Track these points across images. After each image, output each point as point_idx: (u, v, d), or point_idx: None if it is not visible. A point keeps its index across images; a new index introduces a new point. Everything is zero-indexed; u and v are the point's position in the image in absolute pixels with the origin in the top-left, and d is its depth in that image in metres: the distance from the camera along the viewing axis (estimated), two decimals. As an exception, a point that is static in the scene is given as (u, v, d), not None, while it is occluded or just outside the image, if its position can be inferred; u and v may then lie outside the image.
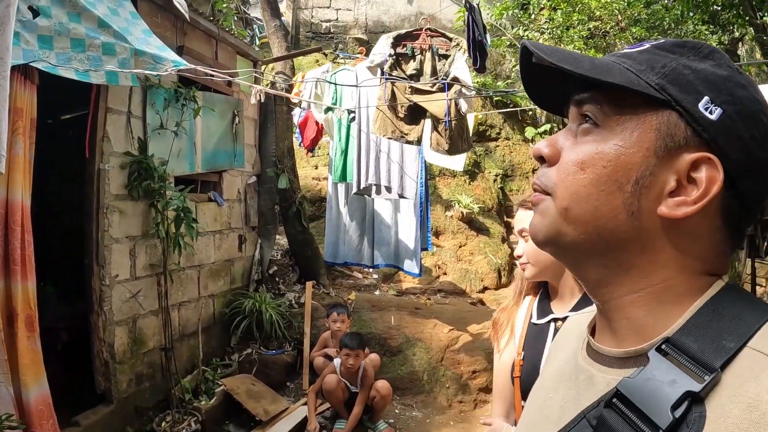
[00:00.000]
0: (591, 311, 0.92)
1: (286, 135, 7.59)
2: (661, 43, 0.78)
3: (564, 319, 1.85)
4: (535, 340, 2.05)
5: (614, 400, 0.70)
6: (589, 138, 0.78)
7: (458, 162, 8.12)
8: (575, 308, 1.93)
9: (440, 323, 7.13)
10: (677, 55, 0.75)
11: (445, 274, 9.44)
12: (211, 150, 6.02)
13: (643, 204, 0.74)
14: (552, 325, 2.02)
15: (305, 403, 5.68)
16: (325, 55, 11.90)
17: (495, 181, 11.33)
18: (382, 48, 6.11)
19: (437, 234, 9.82)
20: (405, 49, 6.11)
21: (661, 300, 0.76)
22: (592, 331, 0.88)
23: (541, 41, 10.20)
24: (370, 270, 8.43)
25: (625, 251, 0.77)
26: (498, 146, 11.44)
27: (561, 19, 9.59)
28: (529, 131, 11.26)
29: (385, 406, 5.63)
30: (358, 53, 8.25)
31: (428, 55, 6.03)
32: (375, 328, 6.90)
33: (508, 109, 10.59)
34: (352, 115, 6.69)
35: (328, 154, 8.38)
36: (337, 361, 5.52)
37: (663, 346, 0.71)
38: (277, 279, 7.67)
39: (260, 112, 7.28)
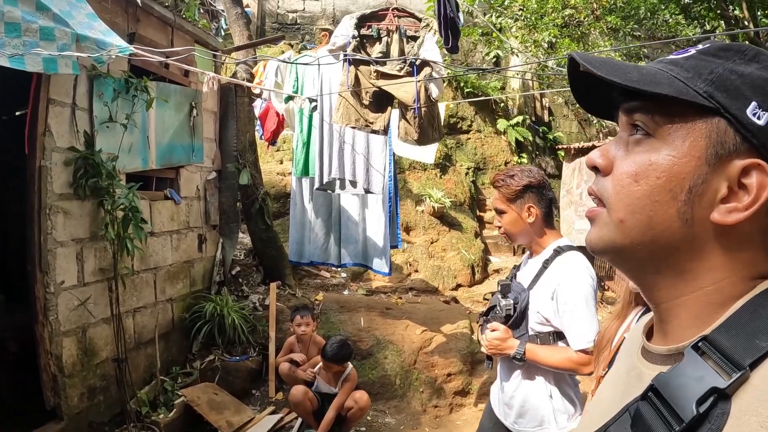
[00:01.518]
0: (651, 315, 0.94)
1: (248, 128, 7.26)
2: (706, 48, 0.79)
3: None
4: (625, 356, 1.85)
5: (649, 393, 0.74)
6: (641, 148, 0.80)
7: (429, 154, 7.86)
8: None
9: (412, 324, 6.97)
10: (723, 60, 0.76)
11: (416, 271, 9.26)
12: (166, 144, 5.66)
13: (696, 212, 0.76)
14: None
15: (272, 412, 5.45)
16: (291, 46, 11.61)
17: (467, 174, 11.19)
18: (345, 29, 5.74)
19: (408, 230, 9.62)
20: (370, 30, 5.73)
21: (710, 302, 0.78)
22: (649, 332, 0.92)
23: (514, 28, 10.18)
24: (338, 269, 8.12)
25: (678, 257, 0.79)
26: (469, 139, 11.29)
27: (535, 6, 9.46)
28: (501, 123, 11.13)
29: (360, 419, 5.41)
30: (322, 38, 7.87)
31: (395, 36, 5.66)
32: (344, 330, 6.68)
33: (478, 98, 10.37)
34: (313, 104, 6.36)
35: (292, 147, 8.04)
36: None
37: (700, 344, 0.73)
38: (240, 280, 7.36)
39: (220, 104, 6.93)
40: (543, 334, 2.67)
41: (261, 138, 7.54)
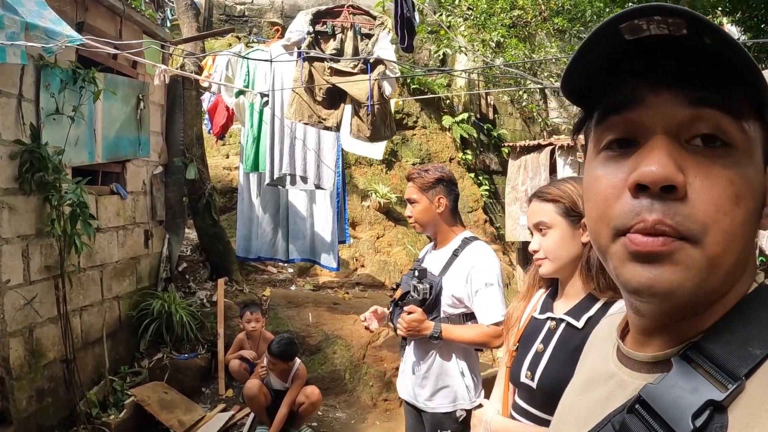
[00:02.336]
0: (621, 313, 0.87)
1: (195, 122, 7.11)
2: None
3: (559, 320, 1.96)
4: (530, 335, 2.06)
5: (636, 406, 0.68)
6: (728, 162, 0.66)
7: (378, 150, 7.87)
8: (573, 310, 1.95)
9: (360, 318, 6.88)
10: None
11: (362, 266, 9.24)
12: (113, 137, 5.50)
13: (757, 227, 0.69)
14: (547, 323, 2.02)
15: (223, 410, 5.39)
16: (239, 39, 11.41)
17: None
18: (300, 25, 5.69)
19: (354, 225, 9.60)
20: (325, 27, 5.69)
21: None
22: (623, 333, 0.84)
23: (463, 27, 10.29)
24: (285, 264, 8.06)
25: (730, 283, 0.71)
26: (415, 135, 11.32)
27: (485, 6, 9.56)
28: (447, 120, 11.19)
29: (312, 413, 5.40)
30: (274, 32, 7.76)
31: (350, 34, 5.64)
32: (292, 326, 6.66)
33: (425, 96, 10.44)
34: (265, 99, 6.28)
35: (239, 141, 7.93)
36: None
37: (688, 353, 0.68)
38: (187, 276, 7.21)
39: (167, 96, 6.76)
40: (454, 316, 2.92)
41: (209, 132, 7.40)
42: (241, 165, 7.13)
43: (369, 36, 5.66)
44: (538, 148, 8.21)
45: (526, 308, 2.18)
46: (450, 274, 2.91)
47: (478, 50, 9.68)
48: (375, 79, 5.48)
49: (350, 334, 6.69)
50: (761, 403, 0.61)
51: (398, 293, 3.03)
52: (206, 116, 7.37)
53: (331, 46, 5.64)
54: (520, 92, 11.12)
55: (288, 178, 6.74)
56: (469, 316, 2.91)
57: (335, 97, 5.76)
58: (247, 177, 7.21)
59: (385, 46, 5.54)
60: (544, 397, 1.90)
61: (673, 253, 0.65)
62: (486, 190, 11.27)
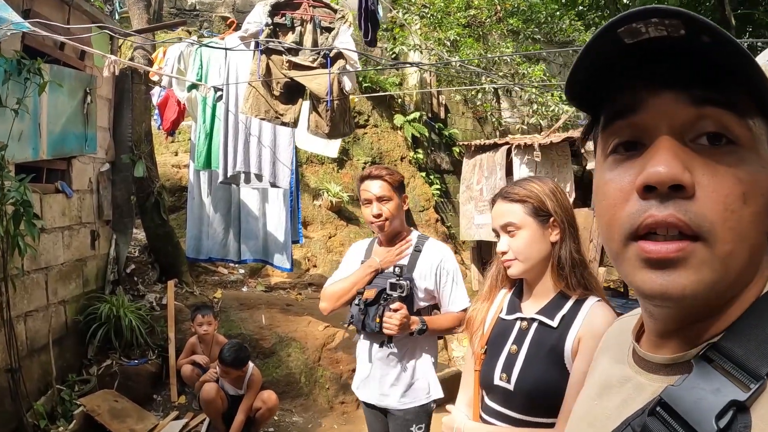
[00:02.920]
0: (635, 314, 0.89)
1: (143, 117, 6.86)
2: None
3: (530, 320, 1.96)
4: (499, 336, 2.04)
5: (658, 408, 0.68)
6: (734, 159, 0.67)
7: (332, 148, 7.75)
8: (545, 309, 1.95)
9: (314, 320, 6.90)
10: None
11: (315, 266, 9.13)
12: (58, 133, 5.24)
13: None
14: (517, 324, 2.01)
15: (176, 418, 5.24)
16: (189, 33, 11.12)
17: (363, 168, 10.98)
18: (258, 16, 5.49)
19: (305, 224, 9.46)
20: (283, 19, 5.49)
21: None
22: (638, 336, 0.84)
23: (419, 25, 10.27)
24: (236, 265, 7.87)
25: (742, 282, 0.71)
26: (366, 133, 11.25)
27: (441, 4, 9.59)
28: (398, 119, 11.15)
29: (269, 419, 5.35)
30: (227, 26, 7.53)
31: (309, 27, 5.47)
32: (245, 328, 6.53)
33: (377, 93, 10.36)
34: (219, 93, 6.07)
35: (189, 138, 7.67)
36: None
37: (708, 353, 0.68)
38: (135, 279, 6.97)
39: (115, 91, 6.51)
40: (425, 308, 3.06)
41: (159, 128, 7.13)
42: (192, 162, 6.88)
43: (329, 29, 5.51)
44: (494, 147, 8.21)
45: (490, 310, 2.15)
46: (419, 269, 3.03)
47: (433, 49, 9.69)
48: (335, 74, 5.35)
49: (304, 336, 6.60)
50: None
51: (371, 293, 2.99)
52: (156, 111, 7.10)
53: (290, 39, 5.47)
54: (474, 92, 11.18)
55: (242, 176, 6.53)
56: (434, 307, 3.12)
57: (293, 92, 5.60)
58: (197, 175, 6.97)
59: (345, 41, 5.41)
60: (524, 399, 1.89)
61: (689, 254, 0.66)
62: (437, 189, 11.27)
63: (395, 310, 2.83)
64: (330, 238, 9.62)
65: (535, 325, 1.95)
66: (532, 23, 9.77)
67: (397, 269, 2.92)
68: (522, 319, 1.99)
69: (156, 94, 6.72)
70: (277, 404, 5.30)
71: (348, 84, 5.51)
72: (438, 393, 3.07)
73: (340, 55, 5.42)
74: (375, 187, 3.03)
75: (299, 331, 6.66)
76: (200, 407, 5.20)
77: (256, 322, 6.65)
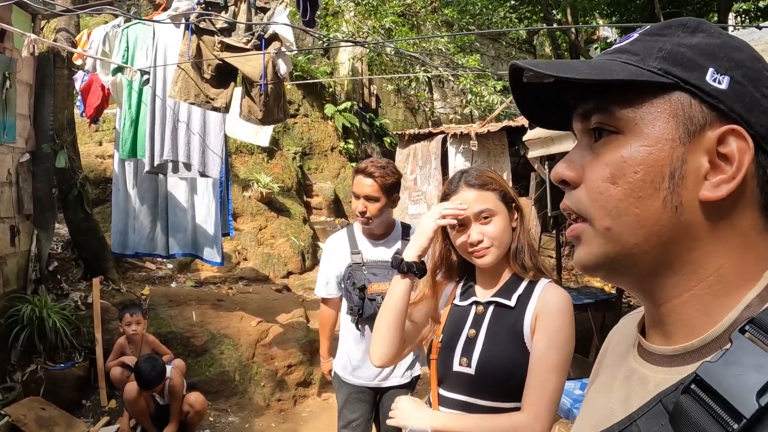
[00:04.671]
0: (639, 312, 0.92)
1: (66, 104, 6.44)
2: (648, 30, 0.79)
3: (486, 303, 1.97)
4: (455, 323, 2.03)
5: (692, 386, 0.65)
6: (609, 148, 0.76)
7: (264, 136, 7.49)
8: (501, 291, 1.98)
9: (247, 315, 6.77)
10: (668, 36, 0.75)
11: (245, 259, 8.93)
12: (-30, 119, 4.82)
13: (684, 196, 0.72)
14: (473, 308, 2.02)
15: (107, 423, 5.05)
16: (115, 16, 10.62)
17: (294, 159, 11.00)
18: (189, -7, 5.20)
19: (235, 216, 9.25)
20: (216, -3, 5.24)
21: (715, 293, 0.74)
22: (643, 330, 0.87)
23: (354, 12, 10.12)
24: (165, 260, 7.53)
25: (674, 251, 0.75)
26: (296, 123, 11.13)
27: (378, -8, 9.51)
28: (329, 108, 11.06)
29: (200, 422, 5.22)
30: (155, 6, 7.15)
31: (243, 6, 5.18)
32: (175, 326, 6.29)
33: (306, 81, 10.17)
34: (145, 76, 5.72)
35: (114, 127, 7.25)
36: None
37: (747, 327, 0.65)
38: (59, 276, 6.55)
39: (36, 75, 6.06)
40: None
41: (82, 115, 6.70)
42: (116, 152, 6.50)
43: (264, 10, 5.25)
44: (429, 136, 8.12)
45: (439, 302, 2.15)
46: None
47: (368, 34, 9.56)
48: (269, 55, 5.11)
49: (237, 332, 6.45)
50: None
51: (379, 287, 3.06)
52: (79, 97, 6.67)
53: (222, 19, 5.19)
54: (406, 81, 11.14)
55: (170, 165, 6.17)
56: None
57: (225, 75, 5.33)
58: (122, 165, 6.59)
59: (282, 21, 5.17)
60: (487, 382, 1.89)
61: (581, 232, 0.79)
62: (368, 179, 11.16)
63: None
64: (261, 230, 9.44)
65: (491, 307, 1.97)
66: (466, 14, 9.83)
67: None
68: (477, 303, 2.01)
69: (79, 79, 6.30)
70: (206, 405, 5.21)
71: (283, 67, 5.26)
72: (423, 359, 3.16)
73: (275, 37, 5.18)
74: (364, 186, 3.04)
75: (232, 327, 6.50)
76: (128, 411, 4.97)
77: (186, 319, 6.43)
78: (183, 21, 5.12)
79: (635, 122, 0.74)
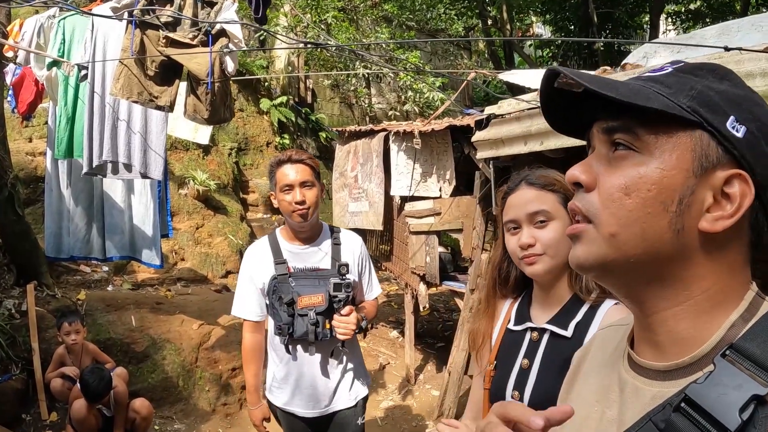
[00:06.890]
0: (627, 324, 0.98)
1: (-4, 99, 6.03)
2: (681, 67, 0.84)
3: (541, 330, 1.75)
4: (510, 348, 1.84)
5: (682, 404, 0.74)
6: (627, 163, 0.82)
7: (203, 134, 7.27)
8: (557, 318, 1.74)
9: (188, 318, 6.62)
10: (700, 78, 0.81)
11: (183, 260, 8.68)
12: None
13: (686, 222, 0.79)
14: (528, 334, 1.79)
15: None
16: (47, 6, 10.09)
17: (230, 155, 10.74)
18: (133, -15, 4.94)
19: (171, 215, 8.89)
20: (161, -11, 5.00)
21: (702, 310, 0.81)
22: (631, 343, 0.93)
23: (297, 6, 9.91)
24: (100, 262, 7.21)
25: (668, 268, 0.82)
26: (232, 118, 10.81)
27: (318, -15, 9.33)
28: (265, 103, 10.83)
29: (147, 428, 5.07)
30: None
31: (190, 0, 5.02)
32: (114, 332, 6.06)
33: (244, 77, 9.94)
34: (83, 71, 5.41)
35: (46, 122, 6.85)
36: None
37: (728, 352, 0.75)
38: (-10, 283, 6.20)
39: (-36, 69, 5.66)
40: (349, 299, 2.93)
41: (13, 111, 6.32)
42: (49, 150, 6.15)
43: (211, 4, 5.04)
44: (371, 133, 8.00)
45: (496, 322, 1.95)
46: (344, 261, 2.95)
47: (307, 27, 9.39)
48: (216, 52, 4.93)
49: (179, 336, 6.29)
50: None
51: (318, 299, 2.82)
52: (10, 92, 6.28)
53: (167, 13, 4.97)
54: (344, 77, 11.02)
55: (109, 166, 5.84)
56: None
57: (169, 72, 5.08)
58: (55, 164, 6.25)
59: (230, 16, 4.99)
60: None
61: (582, 232, 0.85)
62: (304, 175, 11.06)
63: (347, 314, 2.78)
64: (198, 228, 9.17)
65: (546, 335, 1.75)
66: (406, 10, 9.77)
67: (342, 268, 2.83)
68: (532, 329, 1.79)
69: (10, 73, 5.93)
70: (152, 411, 5.11)
71: (230, 65, 5.07)
72: (367, 377, 3.14)
73: (222, 33, 4.99)
74: (297, 172, 2.80)
75: (173, 331, 6.34)
76: (73, 427, 4.72)
77: (125, 325, 6.21)
78: (126, 14, 4.87)
79: (656, 146, 0.80)
